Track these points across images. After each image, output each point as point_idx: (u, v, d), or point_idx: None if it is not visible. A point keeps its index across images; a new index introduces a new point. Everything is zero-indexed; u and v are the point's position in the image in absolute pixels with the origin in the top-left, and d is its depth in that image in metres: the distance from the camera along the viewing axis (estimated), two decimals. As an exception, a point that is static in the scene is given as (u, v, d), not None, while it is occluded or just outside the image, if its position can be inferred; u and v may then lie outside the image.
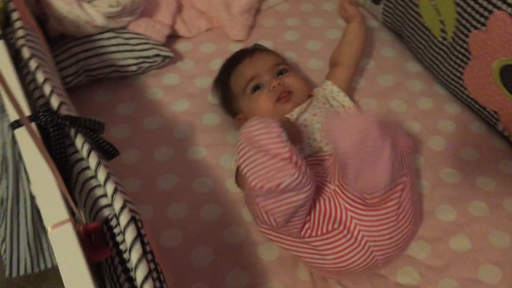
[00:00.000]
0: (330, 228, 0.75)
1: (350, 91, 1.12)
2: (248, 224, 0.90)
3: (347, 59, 1.07)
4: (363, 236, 0.75)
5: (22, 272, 1.06)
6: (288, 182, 0.64)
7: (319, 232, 0.75)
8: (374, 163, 0.67)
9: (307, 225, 0.75)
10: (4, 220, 0.99)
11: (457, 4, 1.00)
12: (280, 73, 1.00)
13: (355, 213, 0.75)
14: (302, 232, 0.76)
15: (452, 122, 1.06)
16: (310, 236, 0.76)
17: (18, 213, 0.95)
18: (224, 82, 1.04)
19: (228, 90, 1.03)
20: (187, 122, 1.06)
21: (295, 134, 0.89)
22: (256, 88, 0.98)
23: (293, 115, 0.94)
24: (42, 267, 1.06)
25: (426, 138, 1.04)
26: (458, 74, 1.06)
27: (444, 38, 1.06)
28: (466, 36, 1.00)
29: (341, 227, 0.75)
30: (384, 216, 0.75)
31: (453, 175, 0.97)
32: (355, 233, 0.75)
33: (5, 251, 1.03)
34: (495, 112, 1.01)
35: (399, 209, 0.75)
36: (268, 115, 0.96)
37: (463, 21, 1.00)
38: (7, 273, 1.05)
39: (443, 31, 1.06)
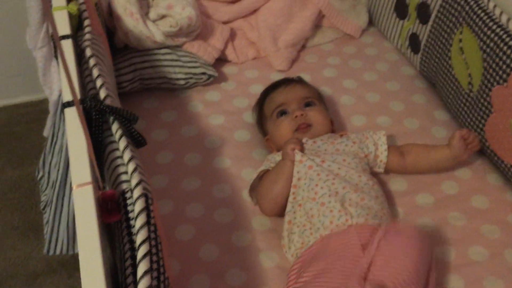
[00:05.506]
0: None
1: (374, 127, 1.19)
2: (255, 232, 0.98)
3: (412, 165, 1.05)
4: None
5: (58, 252, 1.15)
6: None
7: None
8: None
9: None
10: (51, 202, 1.11)
11: (484, 60, 1.06)
12: (308, 104, 1.09)
13: None
14: None
15: (469, 170, 1.10)
16: None
17: (63, 195, 1.08)
18: (260, 104, 1.15)
19: (261, 111, 1.14)
20: (219, 135, 1.17)
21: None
22: (282, 113, 1.08)
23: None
24: (77, 250, 1.16)
25: (440, 181, 1.07)
26: (480, 125, 1.10)
27: (471, 90, 1.11)
28: (490, 90, 1.05)
29: None
30: None
31: (459, 219, 1.00)
32: None
33: (47, 230, 1.15)
34: (512, 166, 1.04)
35: None
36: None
37: (488, 76, 1.05)
38: (45, 250, 1.15)
39: (470, 83, 1.12)
